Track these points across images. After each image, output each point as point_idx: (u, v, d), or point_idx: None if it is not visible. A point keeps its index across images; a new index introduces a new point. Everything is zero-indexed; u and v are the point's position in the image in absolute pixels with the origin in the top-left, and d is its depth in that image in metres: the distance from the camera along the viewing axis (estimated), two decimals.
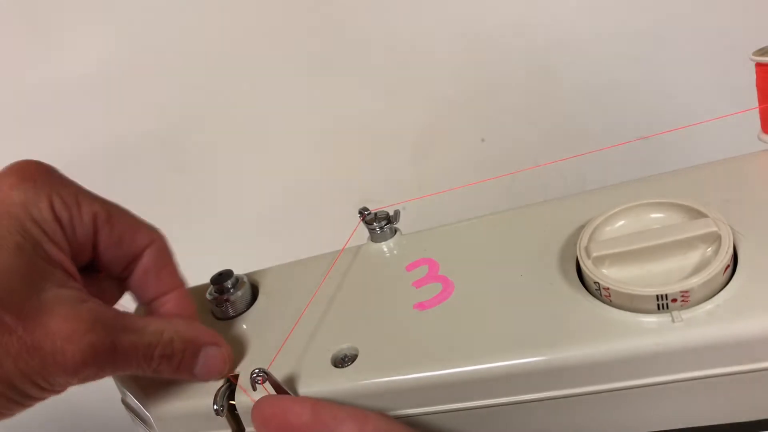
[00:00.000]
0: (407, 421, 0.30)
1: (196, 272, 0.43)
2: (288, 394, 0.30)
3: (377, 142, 0.73)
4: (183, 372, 0.31)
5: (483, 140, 0.73)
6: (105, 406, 0.65)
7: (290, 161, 0.73)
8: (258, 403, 0.29)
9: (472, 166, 0.74)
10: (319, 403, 0.28)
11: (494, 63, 0.71)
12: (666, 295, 0.27)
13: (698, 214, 0.29)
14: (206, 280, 0.38)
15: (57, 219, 0.29)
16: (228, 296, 0.36)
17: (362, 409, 0.28)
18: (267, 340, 0.34)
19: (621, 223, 0.31)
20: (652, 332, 0.27)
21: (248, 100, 0.70)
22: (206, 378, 0.32)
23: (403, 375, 0.30)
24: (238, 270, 0.39)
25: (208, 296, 0.36)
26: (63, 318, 0.26)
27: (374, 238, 0.37)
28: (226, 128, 0.71)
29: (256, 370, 0.29)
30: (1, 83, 0.66)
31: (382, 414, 0.28)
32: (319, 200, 0.75)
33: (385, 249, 0.37)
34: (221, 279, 0.36)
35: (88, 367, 0.27)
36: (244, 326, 0.36)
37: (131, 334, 0.29)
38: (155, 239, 0.32)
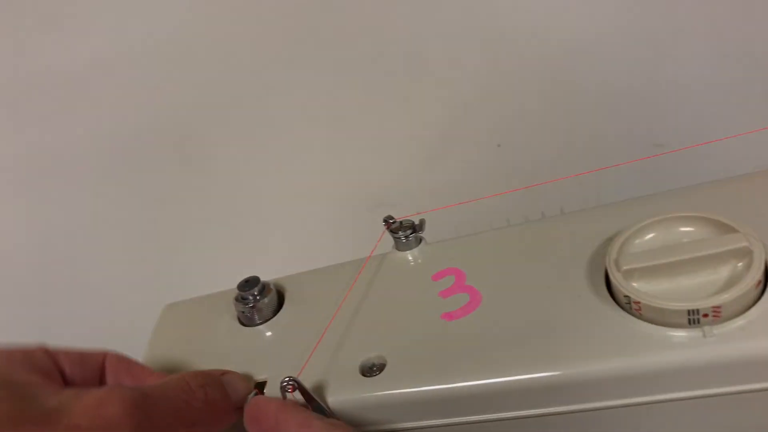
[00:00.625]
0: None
1: (218, 278, 0.43)
2: (317, 402, 0.30)
3: (392, 144, 0.73)
4: (227, 398, 0.31)
5: (499, 145, 0.73)
6: None
7: (304, 163, 0.73)
8: (248, 402, 0.30)
9: (487, 171, 0.74)
10: (282, 406, 0.29)
11: (512, 67, 0.71)
12: (697, 310, 0.27)
13: (729, 229, 0.29)
14: (229, 285, 0.38)
15: (10, 356, 0.28)
16: (255, 303, 0.36)
17: (312, 415, 0.29)
18: (294, 347, 0.34)
19: (650, 235, 0.31)
20: (683, 347, 0.27)
21: (264, 101, 0.70)
22: (240, 401, 0.31)
23: (432, 385, 0.30)
24: (258, 274, 0.39)
25: (234, 302, 0.36)
26: (82, 400, 0.26)
27: (399, 246, 0.37)
28: (242, 130, 0.71)
29: (286, 379, 0.29)
30: (5, 72, 0.65)
31: (330, 422, 0.29)
32: (332, 203, 0.75)
33: (410, 258, 0.37)
34: (248, 286, 0.36)
35: (133, 418, 0.26)
36: (271, 333, 0.36)
37: (155, 387, 0.28)
38: (107, 351, 0.32)
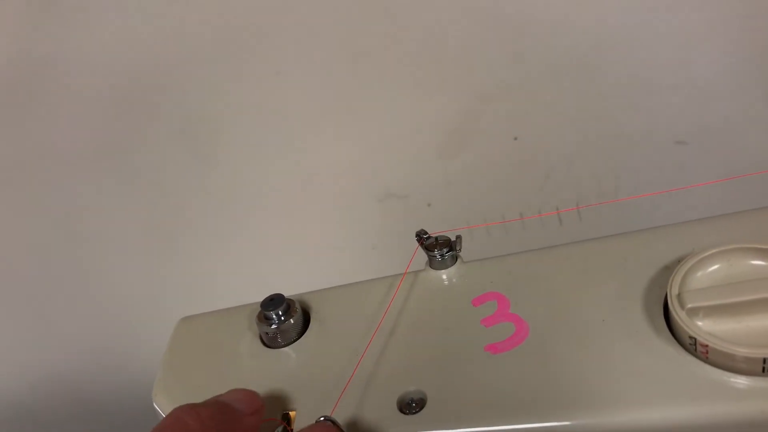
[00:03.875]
0: None
1: (234, 290, 0.41)
2: None
3: (406, 134, 0.71)
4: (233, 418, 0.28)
5: (516, 138, 0.71)
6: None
7: (315, 150, 0.71)
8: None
9: (503, 164, 0.72)
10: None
11: (532, 59, 0.69)
12: None
13: None
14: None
15: None
16: (279, 324, 0.33)
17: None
18: (323, 374, 0.32)
19: (715, 267, 0.29)
20: (755, 396, 0.25)
21: (275, 88, 0.67)
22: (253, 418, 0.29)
23: (477, 427, 0.28)
24: (275, 283, 0.36)
25: (257, 322, 0.34)
26: None
27: (434, 265, 0.35)
28: (251, 118, 0.68)
29: (322, 418, 0.27)
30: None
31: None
32: (342, 192, 0.73)
33: (445, 278, 0.34)
34: (272, 305, 0.34)
35: None
36: (297, 357, 0.33)
37: None
38: None
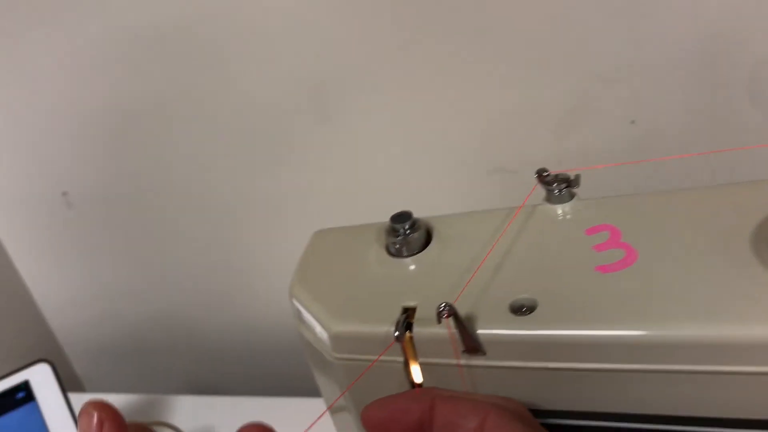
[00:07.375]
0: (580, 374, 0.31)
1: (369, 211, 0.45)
2: (468, 333, 0.31)
3: (523, 111, 0.73)
4: None
5: (633, 122, 0.72)
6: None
7: (431, 120, 0.74)
8: (366, 409, 0.30)
9: (618, 148, 0.72)
10: (439, 396, 0.29)
11: (656, 43, 0.69)
12: None
13: None
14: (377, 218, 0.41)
15: None
16: (405, 235, 0.37)
17: (484, 400, 0.29)
18: (441, 281, 0.35)
19: None
20: None
21: (401, 62, 0.71)
22: None
23: (584, 330, 0.30)
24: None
25: (385, 233, 0.38)
26: None
27: (551, 199, 0.38)
28: (376, 89, 0.73)
29: (443, 304, 0.31)
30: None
31: (502, 407, 0.29)
32: (454, 161, 0.76)
33: (561, 212, 0.37)
34: (400, 219, 0.38)
35: None
36: (416, 266, 0.37)
37: None
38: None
